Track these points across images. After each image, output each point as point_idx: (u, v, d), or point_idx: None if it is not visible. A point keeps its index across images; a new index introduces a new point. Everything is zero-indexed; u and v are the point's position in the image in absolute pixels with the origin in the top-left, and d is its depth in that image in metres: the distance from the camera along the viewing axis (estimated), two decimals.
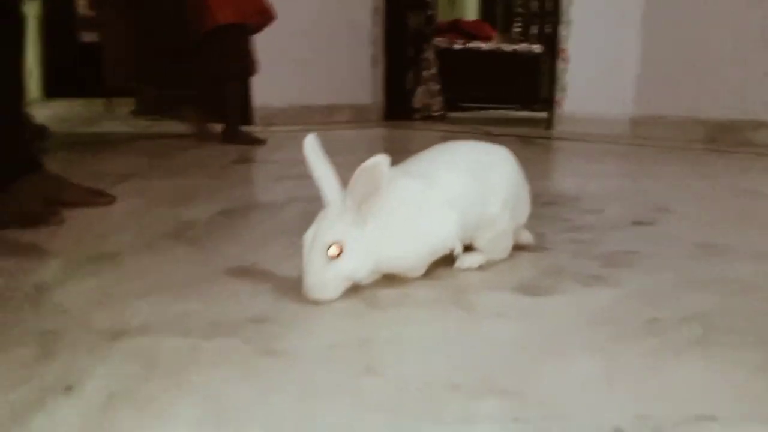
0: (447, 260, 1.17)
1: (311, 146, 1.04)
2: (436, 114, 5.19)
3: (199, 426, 0.66)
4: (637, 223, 1.63)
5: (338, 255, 0.99)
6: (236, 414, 0.69)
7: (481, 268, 1.21)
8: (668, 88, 3.77)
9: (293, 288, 1.06)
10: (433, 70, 5.17)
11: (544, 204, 1.80)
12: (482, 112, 6.34)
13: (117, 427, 0.66)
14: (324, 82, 4.63)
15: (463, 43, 6.03)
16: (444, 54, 5.51)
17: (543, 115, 4.70)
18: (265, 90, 4.19)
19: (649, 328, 0.94)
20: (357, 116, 4.88)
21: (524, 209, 1.30)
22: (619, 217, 1.71)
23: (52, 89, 7.42)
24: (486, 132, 4.16)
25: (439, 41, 5.55)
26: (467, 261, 1.22)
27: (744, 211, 1.83)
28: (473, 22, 6.97)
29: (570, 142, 3.69)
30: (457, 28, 6.37)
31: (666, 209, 1.80)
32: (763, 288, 1.13)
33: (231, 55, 3.17)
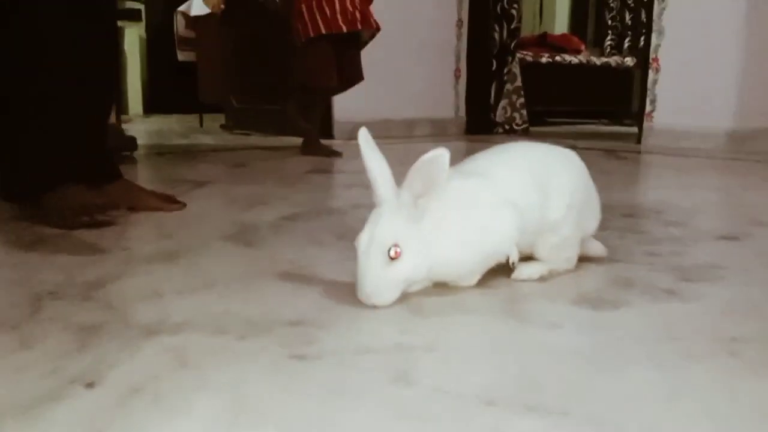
0: (505, 270, 1.10)
1: (365, 139, 1.00)
2: (518, 128, 5.06)
3: (214, 423, 0.63)
4: (725, 237, 1.49)
5: (398, 256, 0.94)
6: (253, 413, 0.65)
7: (541, 279, 1.13)
8: None
9: (339, 291, 1.03)
10: (518, 84, 5.05)
11: (622, 216, 1.69)
12: (568, 126, 6.14)
13: (130, 421, 0.64)
14: (405, 96, 4.62)
15: (551, 57, 5.87)
16: (530, 68, 5.38)
17: (633, 129, 4.49)
18: (346, 104, 4.22)
19: (725, 346, 0.83)
20: (437, 130, 4.84)
21: (593, 217, 1.21)
22: (705, 230, 1.57)
23: (151, 106, 7.86)
24: (570, 145, 3.99)
25: (525, 54, 5.42)
26: (526, 271, 1.13)
27: None
28: (561, 35, 6.77)
29: (659, 156, 3.48)
30: (545, 42, 6.21)
31: (760, 224, 1.64)
32: None
33: (322, 68, 3.14)
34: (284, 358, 0.79)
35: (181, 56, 5.72)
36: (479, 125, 4.99)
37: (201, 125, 5.71)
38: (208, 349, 0.82)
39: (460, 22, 4.83)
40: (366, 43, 3.24)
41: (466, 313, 0.96)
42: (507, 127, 5.05)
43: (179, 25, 5.48)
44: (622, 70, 6.52)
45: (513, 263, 1.08)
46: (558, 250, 1.14)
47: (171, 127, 5.82)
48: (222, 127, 5.31)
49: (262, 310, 0.97)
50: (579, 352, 0.82)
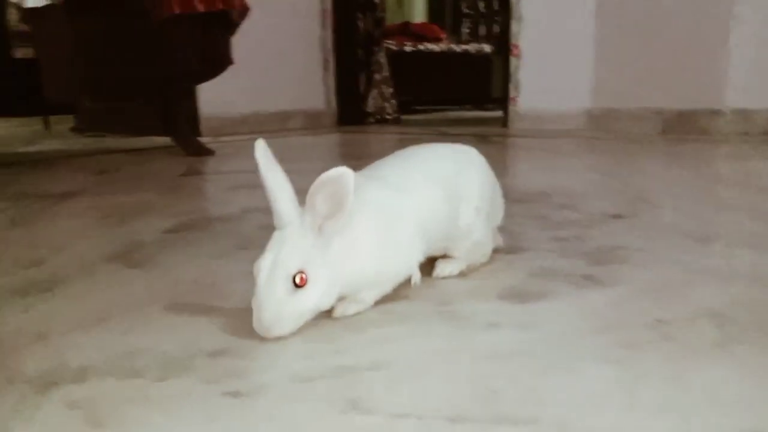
0: (422, 270, 1.06)
1: (262, 152, 0.89)
2: (390, 117, 5.10)
3: None
4: (618, 216, 1.55)
5: (303, 283, 0.85)
6: None
7: (461, 274, 1.11)
8: (623, 81, 3.77)
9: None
10: (385, 73, 5.08)
11: (514, 201, 1.71)
12: (436, 113, 6.29)
13: None
14: (275, 89, 4.48)
15: (414, 45, 5.96)
16: (395, 57, 5.43)
17: (498, 113, 4.67)
18: (212, 99, 4.02)
19: (659, 331, 0.85)
20: (310, 123, 4.75)
21: (499, 211, 1.21)
22: (596, 211, 1.63)
23: None
24: (442, 132, 4.09)
25: (389, 44, 5.46)
26: (447, 269, 1.11)
27: (722, 198, 1.78)
28: (422, 24, 6.91)
29: (527, 139, 3.64)
30: (407, 31, 6.30)
31: (644, 200, 1.74)
32: None
33: (182, 52, 2.91)
34: (216, 396, 0.70)
35: (18, 53, 5.17)
36: (352, 116, 4.97)
37: (47, 128, 5.20)
38: (124, 399, 0.70)
39: (324, 11, 4.76)
40: (237, 25, 3.03)
41: (402, 322, 0.91)
42: (379, 117, 5.07)
43: (12, 18, 4.95)
44: (481, 57, 6.77)
45: (415, 283, 1.03)
46: (473, 250, 1.12)
47: (12, 132, 5.25)
48: (73, 129, 4.85)
49: (175, 342, 0.86)
50: (525, 352, 0.80)
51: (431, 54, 6.21)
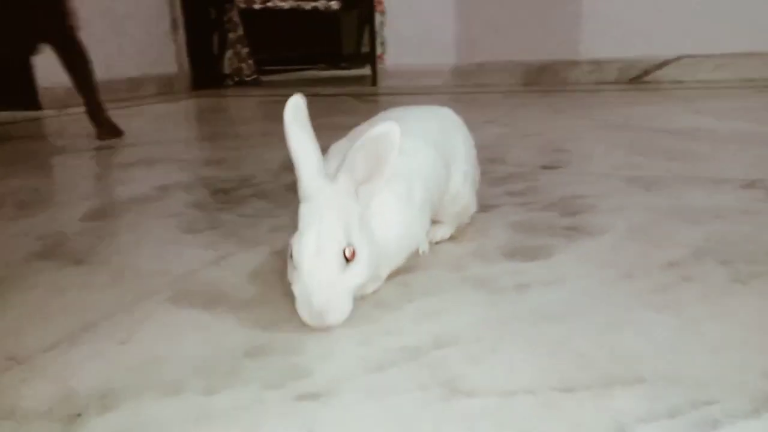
0: None
1: (292, 113, 0.81)
2: (248, 78, 4.87)
3: None
4: (550, 167, 1.60)
5: (353, 257, 0.76)
6: None
7: (451, 237, 1.08)
8: (486, 35, 3.88)
9: (269, 298, 0.85)
10: (240, 32, 4.81)
11: None
12: (297, 73, 6.11)
13: None
14: (122, 54, 4.07)
15: (263, 2, 5.70)
16: (243, 15, 5.16)
17: (357, 71, 4.63)
18: (53, 68, 3.56)
19: (676, 273, 0.88)
20: (164, 88, 4.40)
21: (478, 173, 1.18)
22: (525, 162, 1.66)
23: None
24: (316, 93, 3.97)
25: (238, 1, 5.17)
26: (438, 233, 1.07)
27: (632, 142, 1.89)
28: None
29: (402, 96, 3.65)
30: None
31: (560, 150, 1.80)
32: (738, 210, 1.14)
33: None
34: (292, 402, 0.62)
35: None
36: (207, 79, 4.67)
37: None
38: (181, 420, 0.59)
39: None
40: None
41: (432, 294, 0.86)
42: (237, 78, 4.82)
43: None
44: (329, 14, 6.64)
45: (423, 252, 0.99)
46: (461, 214, 1.09)
47: None
48: None
49: (197, 344, 0.74)
50: (575, 312, 0.79)
51: (280, 11, 5.99)
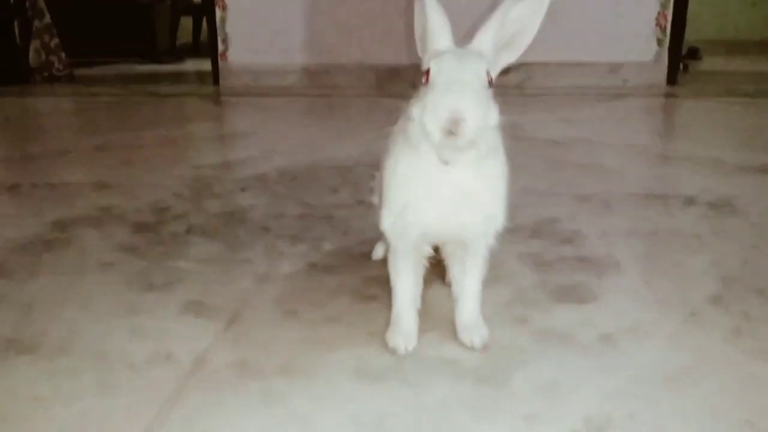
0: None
1: None
2: (60, 74, 4.24)
3: None
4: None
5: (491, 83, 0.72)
6: None
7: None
8: (336, 36, 3.78)
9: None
10: (47, 20, 4.17)
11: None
12: (113, 67, 5.48)
13: None
14: None
15: None
16: (50, 2, 4.49)
17: (182, 67, 4.27)
18: None
19: (731, 309, 0.87)
20: None
21: None
22: None
23: None
24: (152, 93, 3.57)
25: None
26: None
27: (538, 154, 1.91)
28: None
29: (253, 97, 3.43)
30: None
31: None
32: (710, 232, 1.18)
33: None
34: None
35: None
36: (9, 73, 3.98)
37: None
38: None
39: None
40: None
41: (532, 358, 0.75)
42: (45, 73, 4.17)
43: None
44: (141, 5, 6.06)
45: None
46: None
47: None
48: None
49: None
50: (694, 369, 0.74)
51: (90, 2, 5.34)
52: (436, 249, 0.99)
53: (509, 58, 0.76)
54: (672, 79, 3.76)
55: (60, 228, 1.23)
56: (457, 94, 0.66)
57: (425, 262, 0.81)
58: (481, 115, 0.67)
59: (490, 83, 0.70)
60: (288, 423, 0.62)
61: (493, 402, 0.66)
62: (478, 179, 0.74)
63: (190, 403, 0.66)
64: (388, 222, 0.76)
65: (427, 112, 0.67)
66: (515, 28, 0.75)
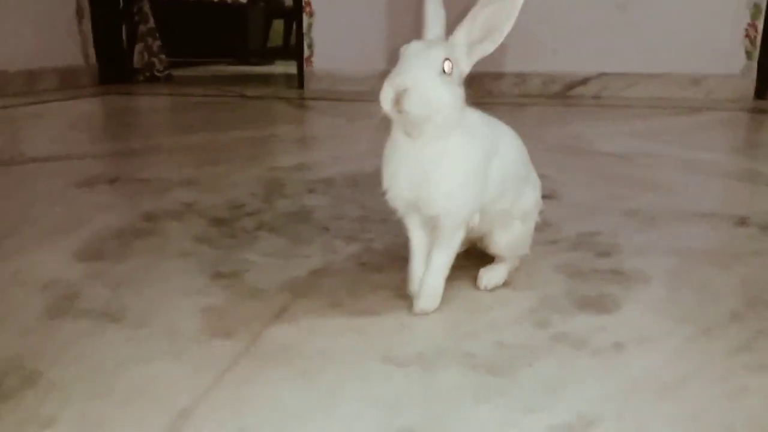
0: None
1: None
2: (160, 74, 4.58)
3: None
4: (544, 196, 1.62)
5: (451, 72, 0.85)
6: None
7: (505, 283, 1.07)
8: None
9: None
10: (151, 25, 4.52)
11: None
12: (207, 68, 5.83)
13: None
14: (19, 43, 3.69)
15: None
16: (155, 6, 4.85)
17: (272, 69, 4.49)
18: None
19: (748, 326, 0.92)
20: (66, 82, 4.04)
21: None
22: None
23: None
24: (239, 94, 3.81)
25: None
26: (493, 279, 1.06)
27: (593, 168, 1.96)
28: None
29: (337, 102, 3.60)
30: None
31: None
32: (750, 252, 1.21)
33: None
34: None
35: None
36: (116, 73, 4.35)
37: None
38: None
39: None
40: None
41: (545, 356, 0.84)
42: (148, 74, 4.52)
43: None
44: (235, 8, 6.41)
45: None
46: (519, 246, 1.08)
47: None
48: None
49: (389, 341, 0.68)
50: (688, 378, 0.80)
51: (188, 3, 5.70)
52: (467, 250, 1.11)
53: (485, 50, 0.88)
54: (761, 93, 3.65)
55: (149, 219, 1.41)
56: (405, 73, 0.81)
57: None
58: (425, 90, 0.81)
59: (451, 71, 0.84)
60: (316, 399, 0.73)
61: (496, 391, 0.75)
62: (443, 155, 0.87)
63: (243, 373, 0.78)
64: (384, 192, 0.94)
65: (382, 88, 0.82)
66: (487, 27, 0.87)
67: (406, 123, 0.85)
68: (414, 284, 0.97)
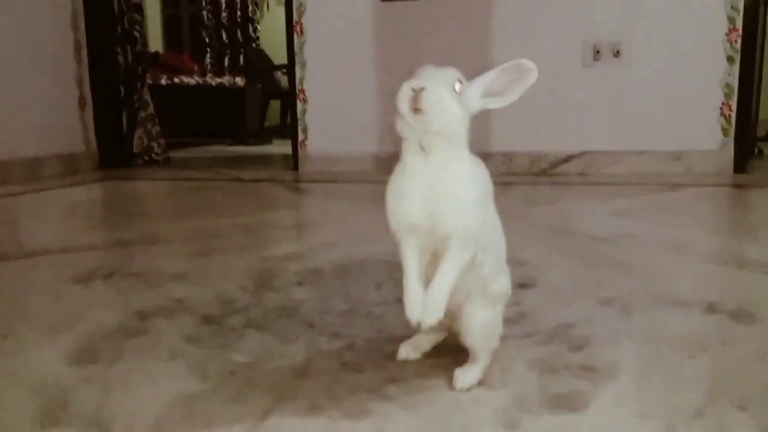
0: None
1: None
2: (158, 158, 4.72)
3: None
4: (524, 285, 1.68)
5: (463, 92, 0.93)
6: None
7: (480, 382, 1.11)
8: None
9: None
10: (150, 111, 4.69)
11: None
12: (204, 149, 6.00)
13: None
14: (23, 132, 3.84)
15: (169, 78, 5.61)
16: (152, 91, 5.05)
17: (269, 149, 4.63)
18: None
19: (709, 425, 0.96)
20: (68, 168, 4.17)
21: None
22: None
23: None
24: (235, 178, 3.92)
25: (148, 78, 5.05)
26: (468, 378, 1.08)
27: (577, 251, 2.03)
28: (172, 54, 6.53)
29: (330, 184, 3.70)
30: (158, 62, 5.90)
31: (523, 261, 1.90)
32: (718, 341, 1.26)
33: None
34: None
35: None
36: (115, 157, 4.48)
37: None
38: None
39: (78, 44, 4.22)
40: None
41: None
42: (146, 157, 4.66)
43: None
44: (234, 91, 6.64)
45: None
46: (488, 337, 1.11)
47: None
48: None
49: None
50: None
51: (187, 88, 5.92)
52: None
53: (492, 103, 0.98)
54: (740, 167, 3.76)
55: (141, 317, 1.46)
56: (422, 78, 0.88)
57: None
58: (442, 93, 0.87)
59: (462, 92, 0.92)
60: None
61: None
62: (456, 174, 0.92)
63: None
64: (388, 212, 0.98)
65: (400, 88, 0.88)
66: (501, 89, 0.97)
67: (420, 128, 0.90)
68: (414, 307, 0.97)
